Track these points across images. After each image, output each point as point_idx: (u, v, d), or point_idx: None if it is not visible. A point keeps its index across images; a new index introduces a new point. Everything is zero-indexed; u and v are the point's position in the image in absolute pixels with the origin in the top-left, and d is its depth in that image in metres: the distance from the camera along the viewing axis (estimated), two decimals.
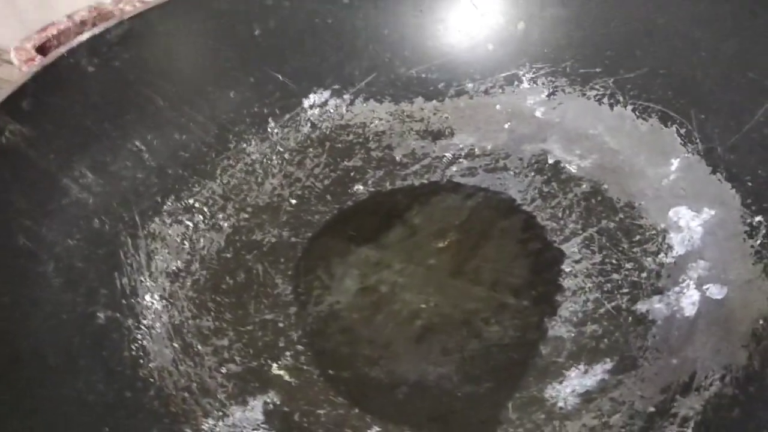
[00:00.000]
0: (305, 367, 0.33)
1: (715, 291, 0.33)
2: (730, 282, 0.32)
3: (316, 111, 0.47)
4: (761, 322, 0.30)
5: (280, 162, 0.45)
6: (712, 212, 0.36)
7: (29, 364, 0.23)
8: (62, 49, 0.38)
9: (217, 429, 0.29)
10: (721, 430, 0.26)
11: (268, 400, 0.31)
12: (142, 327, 0.34)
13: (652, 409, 0.29)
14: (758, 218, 0.34)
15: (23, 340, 0.28)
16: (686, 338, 0.31)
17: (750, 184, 0.35)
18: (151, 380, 0.31)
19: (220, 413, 0.30)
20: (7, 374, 0.25)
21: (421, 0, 0.47)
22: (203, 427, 0.29)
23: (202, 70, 0.44)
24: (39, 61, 0.39)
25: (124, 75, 0.40)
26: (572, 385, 0.31)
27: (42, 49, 0.41)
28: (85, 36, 0.39)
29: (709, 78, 0.39)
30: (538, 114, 0.45)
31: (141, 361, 0.32)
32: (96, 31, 0.39)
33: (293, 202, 0.43)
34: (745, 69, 0.37)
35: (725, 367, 0.29)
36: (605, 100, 0.43)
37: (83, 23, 0.43)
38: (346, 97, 0.47)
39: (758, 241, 0.33)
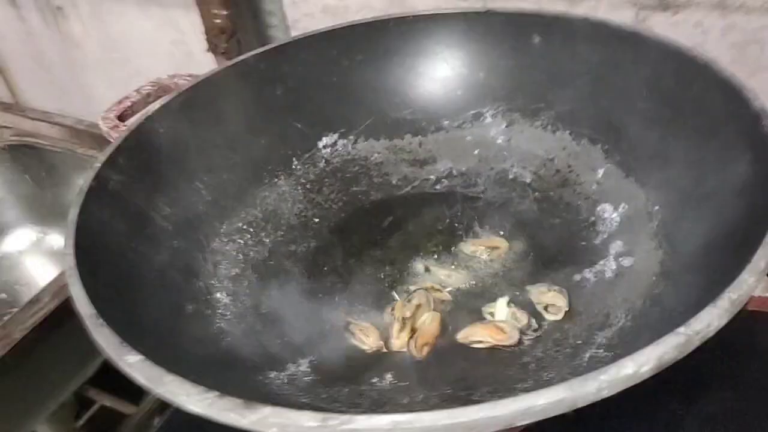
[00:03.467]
0: None
1: (627, 262, 0.45)
2: (636, 253, 0.45)
3: (329, 150, 0.60)
4: (653, 278, 0.42)
5: (303, 191, 0.58)
6: (626, 206, 0.49)
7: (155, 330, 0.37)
8: (141, 117, 0.51)
9: (282, 378, 0.42)
10: (622, 348, 0.39)
11: (313, 359, 0.44)
12: (218, 315, 0.46)
13: (579, 342, 0.41)
14: (656, 207, 0.47)
15: (147, 319, 0.41)
16: (607, 294, 0.44)
17: (651, 184, 0.48)
18: (233, 349, 0.44)
19: (282, 368, 0.43)
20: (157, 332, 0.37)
21: (404, 59, 0.60)
22: (271, 375, 0.42)
23: (240, 123, 0.57)
24: (122, 127, 0.52)
25: (185, 132, 0.54)
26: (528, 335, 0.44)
27: (121, 117, 0.54)
28: (156, 105, 0.52)
29: (621, 108, 0.52)
30: (499, 141, 0.58)
31: (221, 336, 0.44)
32: (163, 101, 0.53)
33: (316, 220, 0.56)
34: (643, 102, 0.51)
35: (627, 310, 0.41)
36: (549, 128, 0.56)
37: (149, 95, 0.56)
38: (351, 137, 0.60)
39: (655, 224, 0.46)
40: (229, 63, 0.57)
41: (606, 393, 0.28)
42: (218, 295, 0.48)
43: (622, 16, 0.64)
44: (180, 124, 0.53)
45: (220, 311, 0.47)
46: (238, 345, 0.44)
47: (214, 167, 0.55)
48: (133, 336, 0.35)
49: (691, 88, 0.47)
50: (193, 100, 0.54)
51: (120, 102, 0.55)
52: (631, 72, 0.52)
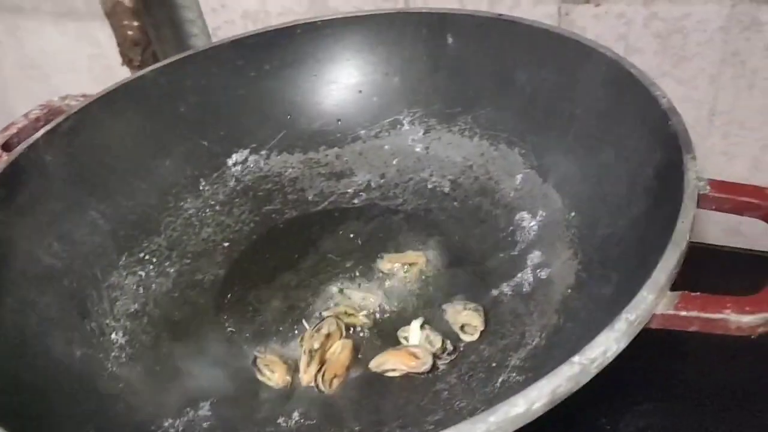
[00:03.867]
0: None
1: (544, 273, 0.43)
2: (553, 264, 0.43)
3: (239, 167, 0.57)
4: (569, 291, 0.40)
5: (212, 213, 0.54)
6: (544, 213, 0.47)
7: (39, 392, 0.33)
8: (23, 146, 0.47)
9: (177, 426, 0.39)
10: (535, 371, 0.36)
11: (215, 400, 0.41)
12: (112, 358, 0.43)
13: (494, 364, 0.39)
14: (572, 213, 0.45)
15: (27, 373, 0.37)
16: (523, 310, 0.42)
17: (567, 188, 0.46)
18: (126, 397, 0.40)
19: (180, 413, 0.40)
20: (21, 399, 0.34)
21: (314, 67, 0.57)
22: (165, 424, 0.39)
23: (140, 145, 0.53)
24: (4, 158, 0.48)
25: (77, 159, 0.50)
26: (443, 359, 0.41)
27: (6, 146, 0.50)
28: (40, 132, 0.48)
29: (536, 109, 0.50)
30: (417, 149, 0.56)
31: (113, 383, 0.41)
32: (48, 127, 0.49)
33: (226, 245, 0.52)
34: (559, 103, 0.48)
35: (542, 327, 0.39)
36: (466, 132, 0.54)
37: (37, 119, 0.52)
38: (263, 152, 0.57)
39: (572, 231, 0.44)
40: (125, 80, 0.53)
41: None
42: (113, 335, 0.44)
43: (545, 10, 0.62)
44: (70, 150, 0.50)
45: (114, 354, 0.43)
46: (132, 391, 0.41)
47: (112, 194, 0.51)
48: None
49: (604, 86, 0.45)
50: (85, 123, 0.51)
51: (5, 129, 0.51)
52: (546, 71, 0.49)
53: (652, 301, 0.28)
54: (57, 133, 0.49)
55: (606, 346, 0.27)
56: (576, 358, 0.27)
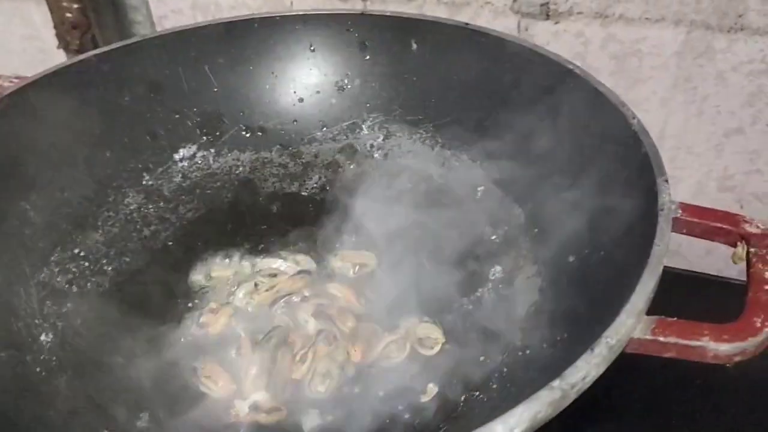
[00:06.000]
0: None
1: (506, 290, 0.42)
2: (516, 280, 0.42)
3: (186, 163, 0.53)
4: (532, 308, 0.39)
5: (156, 210, 0.51)
6: (506, 228, 0.46)
7: None
8: None
9: None
10: (498, 392, 0.35)
11: (156, 411, 0.38)
12: (40, 361, 0.39)
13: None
14: (536, 230, 0.44)
15: None
16: (485, 327, 0.40)
17: (530, 205, 0.45)
18: (52, 403, 0.37)
19: (113, 425, 0.36)
20: None
21: (273, 65, 0.55)
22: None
23: (78, 134, 0.49)
24: None
25: (7, 144, 0.46)
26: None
27: None
28: None
29: (499, 122, 0.49)
30: (376, 155, 0.54)
31: (39, 387, 0.37)
32: None
33: (170, 244, 0.49)
34: (523, 117, 0.47)
35: (505, 346, 0.38)
36: (428, 141, 0.53)
37: None
38: (212, 149, 0.54)
39: (536, 248, 0.43)
40: (64, 63, 0.50)
41: None
42: (43, 337, 0.41)
43: (505, 24, 0.62)
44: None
45: (43, 356, 0.39)
46: (59, 398, 0.37)
47: (46, 185, 0.47)
48: None
49: (571, 104, 0.44)
50: (17, 107, 0.46)
51: None
52: (511, 83, 0.49)
53: (632, 325, 0.28)
54: None
55: (586, 371, 0.26)
56: (556, 383, 0.26)
